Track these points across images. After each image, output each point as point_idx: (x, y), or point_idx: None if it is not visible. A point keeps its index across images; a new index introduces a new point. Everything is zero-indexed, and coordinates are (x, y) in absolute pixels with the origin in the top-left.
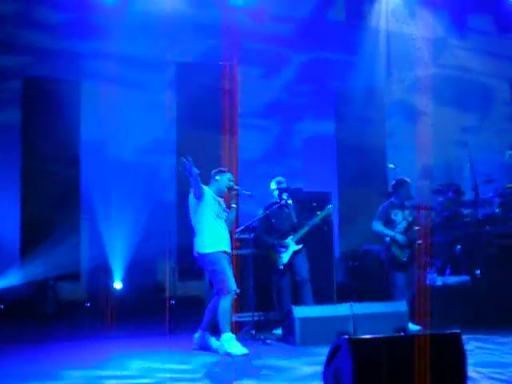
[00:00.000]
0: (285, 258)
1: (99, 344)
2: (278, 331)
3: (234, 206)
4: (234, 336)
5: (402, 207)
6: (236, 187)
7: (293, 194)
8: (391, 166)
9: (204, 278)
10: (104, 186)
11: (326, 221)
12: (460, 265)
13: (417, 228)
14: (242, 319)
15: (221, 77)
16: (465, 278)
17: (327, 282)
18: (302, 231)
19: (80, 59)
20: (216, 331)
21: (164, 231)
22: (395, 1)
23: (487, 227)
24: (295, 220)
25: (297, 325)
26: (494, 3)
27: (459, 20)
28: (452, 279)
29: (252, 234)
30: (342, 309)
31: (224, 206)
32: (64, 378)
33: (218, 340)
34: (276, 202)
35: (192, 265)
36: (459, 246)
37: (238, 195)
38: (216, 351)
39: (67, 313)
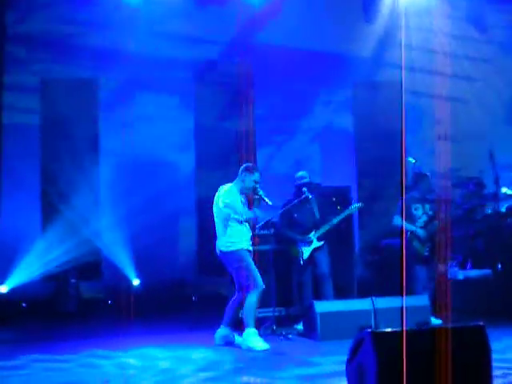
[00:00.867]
0: (306, 253)
1: (123, 338)
2: (299, 326)
3: (254, 209)
4: (256, 331)
5: (422, 201)
6: (260, 192)
7: (313, 188)
8: (411, 159)
9: (225, 275)
10: (124, 186)
11: (347, 218)
12: (481, 258)
13: (437, 222)
14: (263, 314)
15: (237, 75)
16: (486, 271)
17: (348, 277)
18: (325, 228)
19: (99, 58)
20: (238, 327)
21: (185, 229)
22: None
23: (508, 220)
24: (318, 216)
25: (318, 320)
26: None
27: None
28: (473, 273)
29: (272, 230)
30: (364, 303)
31: (246, 203)
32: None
33: (240, 336)
34: (296, 197)
35: (213, 262)
36: (480, 240)
37: (260, 199)
38: (239, 346)
39: (89, 311)
